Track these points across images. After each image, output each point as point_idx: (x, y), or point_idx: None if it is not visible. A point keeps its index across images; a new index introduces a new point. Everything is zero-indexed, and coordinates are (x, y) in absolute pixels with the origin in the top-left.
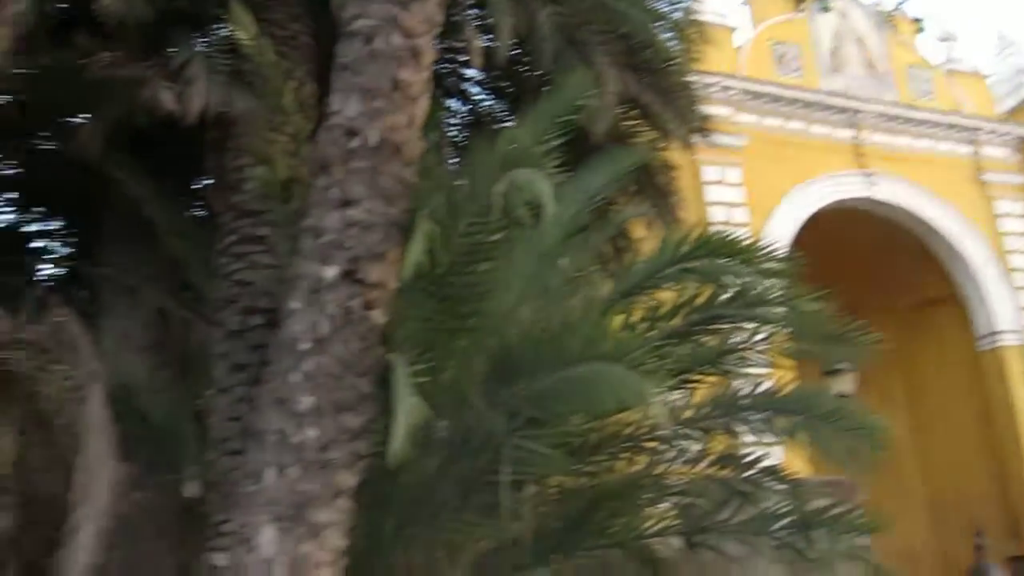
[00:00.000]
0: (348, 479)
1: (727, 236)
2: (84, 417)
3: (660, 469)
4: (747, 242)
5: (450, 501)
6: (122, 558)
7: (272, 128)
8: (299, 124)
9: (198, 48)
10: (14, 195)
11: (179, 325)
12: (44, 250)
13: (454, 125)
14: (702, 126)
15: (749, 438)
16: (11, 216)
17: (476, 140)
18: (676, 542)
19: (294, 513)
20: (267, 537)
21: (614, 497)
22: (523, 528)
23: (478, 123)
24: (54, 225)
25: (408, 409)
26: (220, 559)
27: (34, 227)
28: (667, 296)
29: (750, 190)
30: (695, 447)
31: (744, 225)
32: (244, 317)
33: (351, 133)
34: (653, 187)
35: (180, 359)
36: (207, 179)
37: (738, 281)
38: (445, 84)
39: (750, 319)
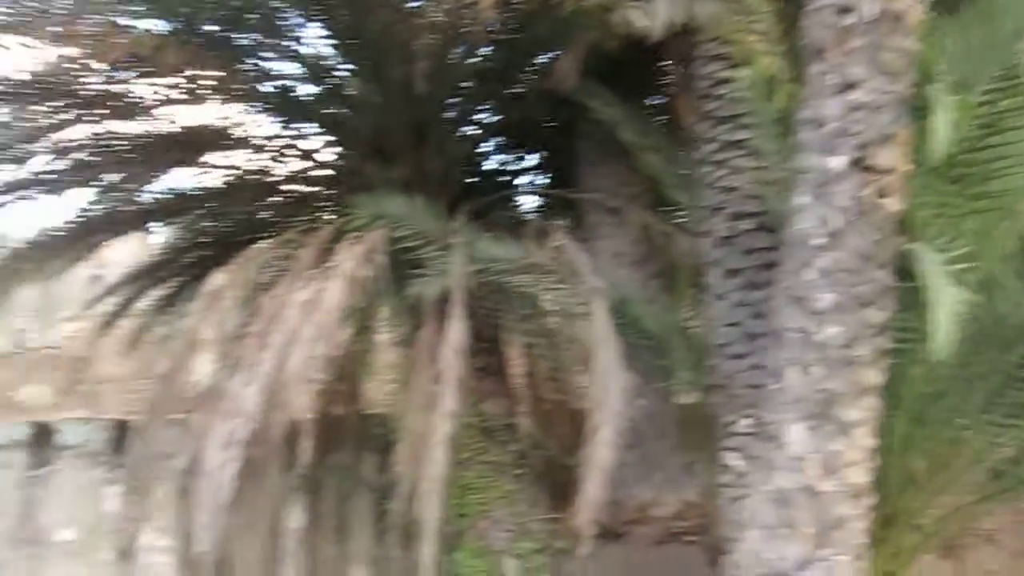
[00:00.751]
0: (873, 376)
1: None
2: (590, 331)
3: None
4: None
5: (971, 400)
6: (634, 458)
7: (740, 29)
8: (768, 20)
9: None
10: (499, 139)
11: (660, 239)
12: (528, 184)
13: None
14: None
15: None
16: (500, 158)
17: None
18: None
19: (821, 411)
20: (796, 435)
21: None
22: None
23: None
24: (532, 161)
25: (949, 299)
26: (733, 458)
27: (517, 165)
28: None
29: None
30: None
31: None
32: (733, 223)
33: (844, 10)
34: None
35: (664, 272)
36: (671, 93)
37: None
38: None
39: None
